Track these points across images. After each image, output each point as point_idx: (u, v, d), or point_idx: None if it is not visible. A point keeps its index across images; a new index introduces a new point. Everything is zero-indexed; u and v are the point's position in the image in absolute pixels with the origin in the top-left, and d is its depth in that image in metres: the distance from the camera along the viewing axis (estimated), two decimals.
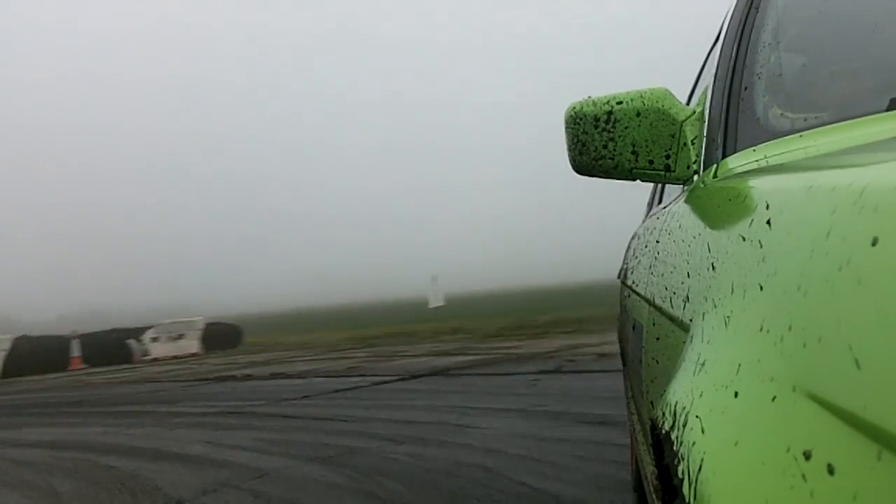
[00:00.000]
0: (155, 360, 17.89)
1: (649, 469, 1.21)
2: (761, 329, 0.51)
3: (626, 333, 2.16)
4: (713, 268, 0.73)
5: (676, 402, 0.63)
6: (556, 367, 8.45)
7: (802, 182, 0.59)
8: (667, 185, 2.09)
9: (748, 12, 1.36)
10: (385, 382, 8.77)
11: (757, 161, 1.02)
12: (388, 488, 3.88)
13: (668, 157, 1.31)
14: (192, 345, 18.85)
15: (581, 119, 1.33)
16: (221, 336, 20.11)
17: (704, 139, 1.26)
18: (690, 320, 0.77)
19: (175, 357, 18.09)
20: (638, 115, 1.30)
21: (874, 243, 0.39)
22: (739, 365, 0.52)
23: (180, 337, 18.99)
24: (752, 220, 0.64)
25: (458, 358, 10.37)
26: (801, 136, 1.01)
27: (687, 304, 0.83)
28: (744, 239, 0.65)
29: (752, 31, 1.31)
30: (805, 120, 1.08)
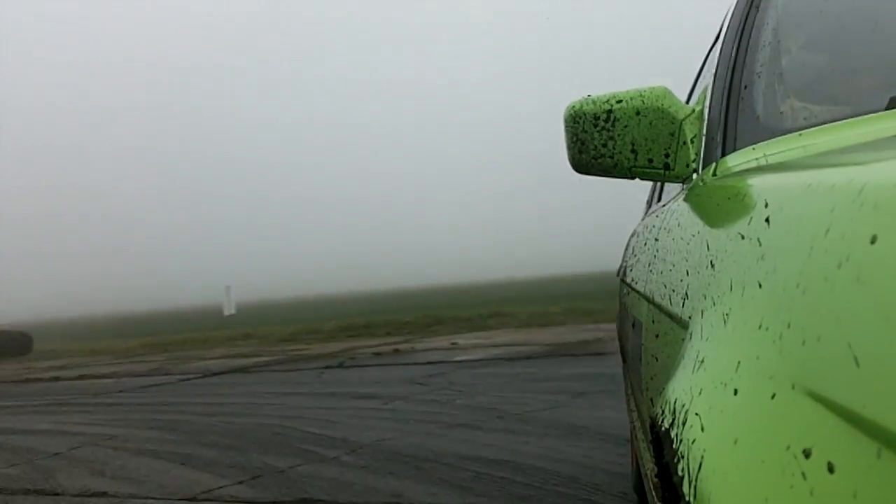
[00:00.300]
0: None
1: (649, 467, 1.21)
2: (760, 326, 0.51)
3: (625, 331, 2.16)
4: (712, 265, 0.73)
5: (676, 400, 0.63)
6: (338, 363, 9.92)
7: (801, 180, 0.60)
8: (666, 184, 2.09)
9: (748, 11, 1.36)
10: (189, 379, 9.86)
11: (756, 159, 1.02)
12: (213, 440, 5.43)
13: (667, 155, 1.31)
14: None
15: (580, 118, 1.33)
16: (11, 343, 19.93)
17: (704, 138, 1.26)
18: (690, 318, 0.77)
19: None
20: (637, 113, 1.30)
21: (873, 241, 0.39)
22: (739, 362, 0.52)
23: None
24: (752, 218, 0.64)
25: (253, 359, 11.62)
26: (800, 134, 1.01)
27: (686, 301, 0.83)
28: (743, 237, 0.65)
29: (752, 30, 1.31)
30: (804, 118, 1.09)
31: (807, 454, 0.38)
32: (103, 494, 4.21)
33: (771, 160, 0.98)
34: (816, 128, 1.01)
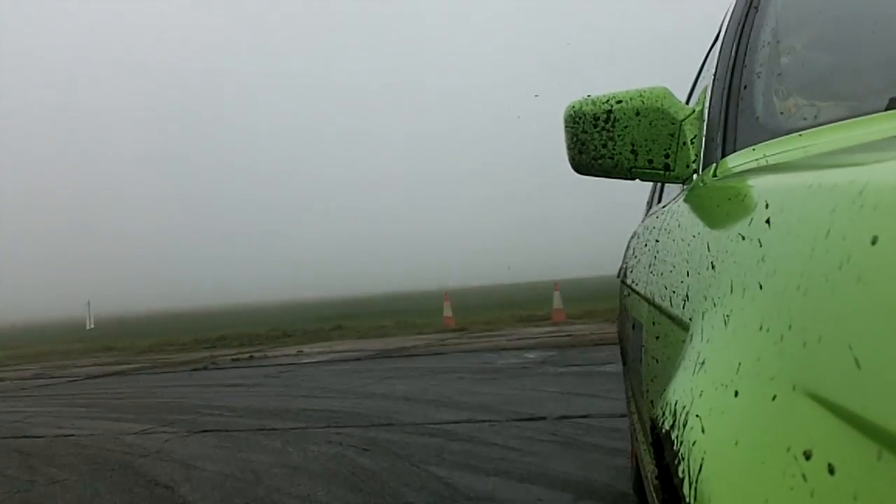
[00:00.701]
0: None
1: (649, 469, 1.21)
2: (761, 328, 0.51)
3: (625, 332, 2.16)
4: (713, 267, 0.73)
5: (676, 402, 0.63)
6: (203, 366, 11.54)
7: (802, 181, 0.59)
8: (666, 185, 2.09)
9: (748, 11, 1.35)
10: (76, 380, 11.03)
11: (756, 160, 1.02)
12: (128, 410, 7.23)
13: (667, 156, 1.31)
14: None
15: (580, 118, 1.33)
16: None
17: (704, 138, 1.26)
18: (690, 319, 0.77)
19: None
20: (637, 114, 1.30)
21: (874, 242, 0.39)
22: (739, 364, 0.52)
23: None
24: (752, 219, 0.64)
25: (124, 365, 13.11)
26: (800, 135, 1.01)
27: (687, 302, 0.83)
28: (743, 238, 0.64)
29: (751, 30, 1.31)
30: (804, 119, 1.08)
31: (807, 456, 0.38)
32: (72, 435, 5.98)
33: (771, 161, 0.98)
34: (816, 128, 1.01)
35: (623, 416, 4.42)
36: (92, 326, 22.85)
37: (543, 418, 5.14)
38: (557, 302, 13.80)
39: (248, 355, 12.68)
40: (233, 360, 12.20)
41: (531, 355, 9.03)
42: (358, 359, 10.63)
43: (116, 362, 13.87)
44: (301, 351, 12.73)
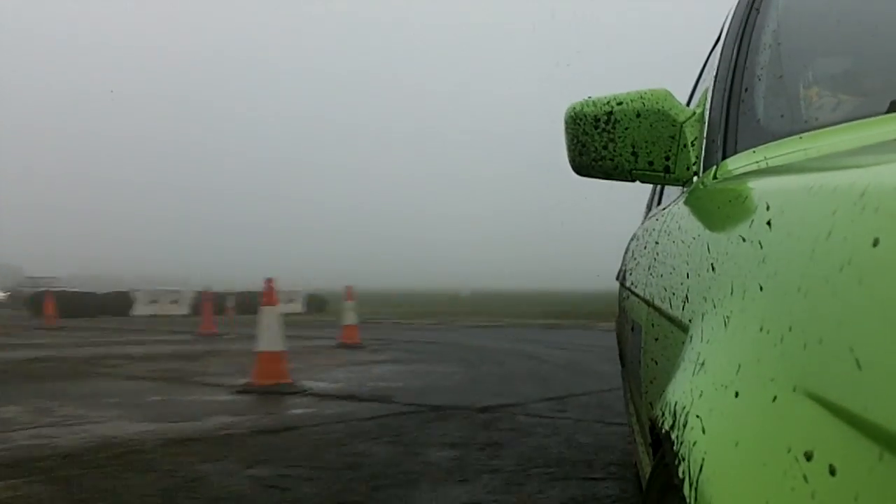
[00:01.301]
0: (153, 315, 22.37)
1: (648, 470, 1.21)
2: (761, 329, 0.51)
3: (624, 334, 2.16)
4: (713, 268, 0.73)
5: (676, 402, 0.63)
6: (549, 326, 16.62)
7: (803, 183, 0.59)
8: (666, 187, 2.09)
9: (749, 14, 1.36)
10: (465, 328, 16.40)
11: (757, 162, 1.02)
12: (504, 338, 12.93)
13: (667, 158, 1.31)
14: (183, 308, 23.95)
15: (581, 119, 1.33)
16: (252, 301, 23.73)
17: (704, 140, 1.26)
18: (690, 321, 0.77)
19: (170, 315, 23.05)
20: (638, 115, 1.30)
21: (875, 244, 0.39)
22: (739, 365, 0.52)
23: (174, 302, 24.20)
24: (753, 221, 0.64)
25: (496, 322, 18.64)
26: (800, 137, 1.01)
27: (686, 304, 0.83)
28: (744, 239, 0.64)
29: (752, 32, 1.31)
30: (805, 122, 1.09)
31: (808, 457, 0.38)
32: (486, 346, 10.92)
33: (772, 163, 0.98)
34: (817, 131, 1.01)
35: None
36: (468, 294, 28.47)
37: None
38: None
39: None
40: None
41: None
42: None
43: (487, 321, 19.31)
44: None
